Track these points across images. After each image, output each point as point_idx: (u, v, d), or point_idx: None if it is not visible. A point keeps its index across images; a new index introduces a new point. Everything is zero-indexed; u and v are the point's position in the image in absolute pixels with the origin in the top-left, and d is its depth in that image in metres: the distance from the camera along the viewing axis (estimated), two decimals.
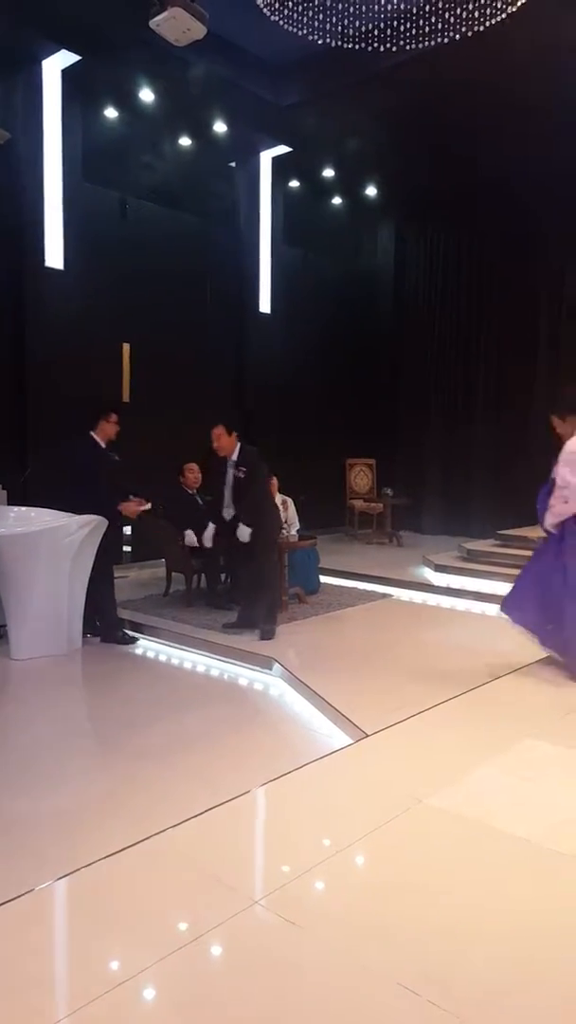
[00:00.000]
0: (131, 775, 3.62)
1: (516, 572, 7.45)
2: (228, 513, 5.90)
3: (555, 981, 2.14)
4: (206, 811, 3.07)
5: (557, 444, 4.99)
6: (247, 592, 6.03)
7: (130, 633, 6.04)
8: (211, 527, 6.14)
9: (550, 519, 4.88)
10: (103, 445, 5.94)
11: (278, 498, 6.76)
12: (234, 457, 5.88)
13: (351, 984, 2.12)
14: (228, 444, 5.87)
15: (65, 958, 2.30)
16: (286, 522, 6.70)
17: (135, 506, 5.93)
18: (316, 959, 2.23)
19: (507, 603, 5.13)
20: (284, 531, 6.44)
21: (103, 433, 5.93)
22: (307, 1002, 2.06)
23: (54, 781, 3.57)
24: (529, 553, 8.08)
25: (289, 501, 7.21)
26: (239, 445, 5.93)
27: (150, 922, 2.40)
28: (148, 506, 6.12)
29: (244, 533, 5.83)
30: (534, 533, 8.51)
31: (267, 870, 2.79)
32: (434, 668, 5.08)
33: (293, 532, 6.83)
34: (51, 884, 2.59)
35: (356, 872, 2.76)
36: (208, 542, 6.15)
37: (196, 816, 3.03)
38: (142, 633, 6.09)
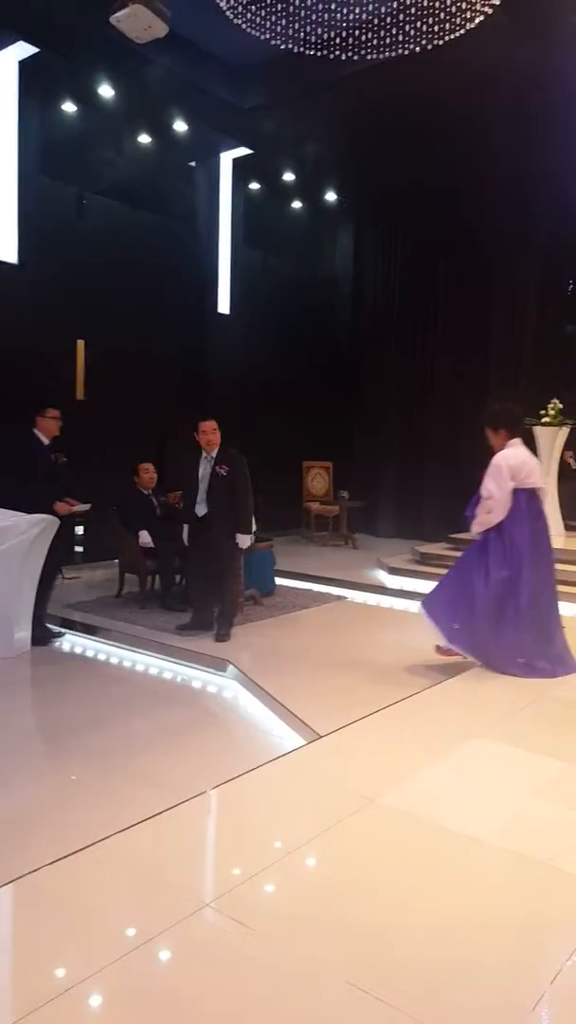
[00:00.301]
0: (80, 778, 3.59)
1: None
2: (201, 510, 5.85)
3: (501, 978, 2.18)
4: (157, 814, 3.05)
5: (491, 454, 5.12)
6: (203, 594, 6.00)
7: (54, 628, 6.04)
8: (186, 528, 5.98)
9: (475, 527, 5.04)
10: (46, 442, 5.87)
11: None
12: (213, 454, 5.86)
13: (301, 984, 2.13)
14: (217, 440, 5.84)
15: (11, 964, 2.27)
16: None
17: (66, 506, 5.85)
18: (267, 960, 2.23)
19: (427, 600, 5.21)
20: None
21: (44, 430, 5.86)
22: (258, 1003, 2.07)
23: (0, 785, 3.52)
24: None
25: None
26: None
27: (99, 926, 2.38)
28: (80, 508, 6.01)
29: (244, 541, 5.85)
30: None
31: (218, 872, 2.79)
32: (386, 669, 5.14)
33: None
34: None
35: (307, 873, 2.77)
36: (186, 541, 6.04)
37: (147, 819, 3.01)
38: (95, 636, 6.03)
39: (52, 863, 2.68)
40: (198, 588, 6.05)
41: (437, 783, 3.45)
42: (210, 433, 5.80)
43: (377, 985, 2.11)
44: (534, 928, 2.44)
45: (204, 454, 5.83)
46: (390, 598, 7.63)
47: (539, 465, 5.08)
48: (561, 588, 7.08)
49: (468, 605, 4.94)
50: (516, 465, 4.93)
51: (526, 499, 4.95)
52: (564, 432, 8.74)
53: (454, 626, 4.98)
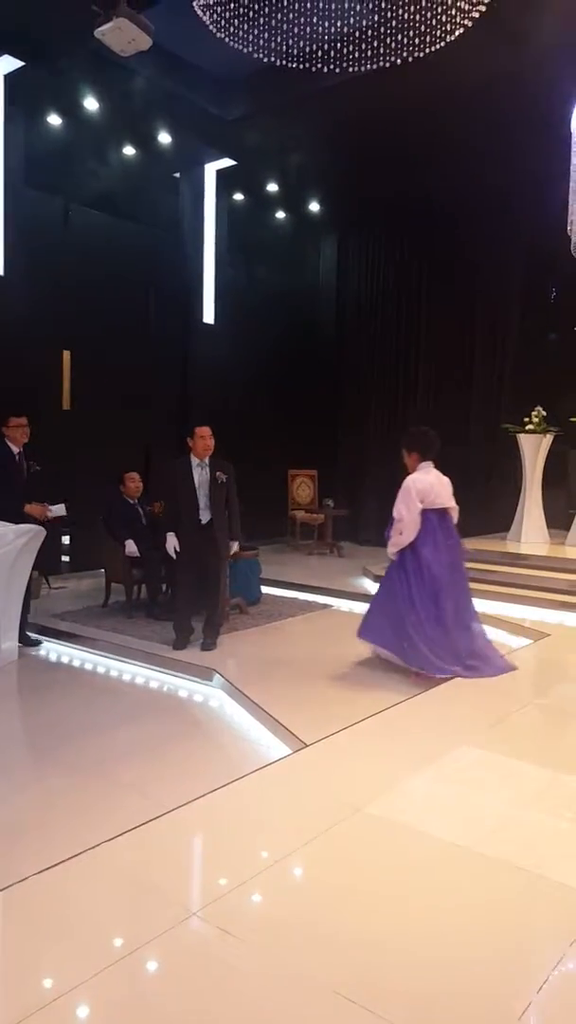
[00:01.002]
0: (67, 788, 3.57)
1: None
2: (205, 516, 5.79)
3: (488, 986, 2.19)
4: (143, 824, 3.05)
5: (406, 474, 5.37)
6: (192, 602, 5.95)
7: (32, 636, 6.05)
8: (171, 537, 5.84)
9: (390, 548, 5.31)
10: (16, 450, 5.88)
11: None
12: (206, 460, 5.84)
13: (288, 994, 2.14)
14: (212, 445, 5.83)
15: None
16: None
17: (41, 508, 5.84)
18: (254, 969, 2.24)
19: (363, 630, 5.42)
20: None
21: (11, 439, 5.88)
22: (245, 1013, 2.07)
23: None
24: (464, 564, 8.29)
25: None
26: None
27: (86, 936, 2.37)
28: (57, 510, 5.96)
29: (234, 547, 5.98)
30: (469, 545, 8.62)
31: (205, 882, 2.80)
32: (372, 678, 5.15)
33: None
34: None
35: (293, 882, 2.78)
36: (172, 552, 5.99)
37: (133, 829, 3.01)
38: (81, 645, 6.01)
39: (38, 873, 2.68)
40: (189, 596, 5.95)
41: (423, 792, 3.46)
42: (207, 438, 5.80)
43: (364, 994, 2.12)
44: (521, 936, 2.45)
45: (196, 461, 5.81)
46: None
47: (448, 486, 5.36)
48: (545, 596, 7.26)
49: (401, 624, 5.13)
50: (424, 488, 5.20)
51: (437, 518, 5.25)
52: (548, 439, 8.82)
53: (403, 645, 5.14)
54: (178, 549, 5.81)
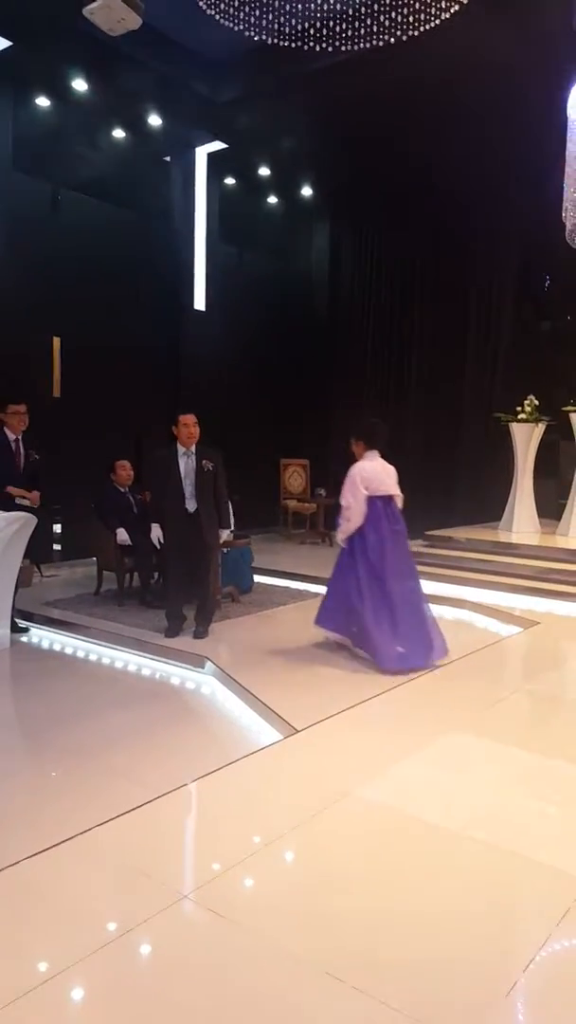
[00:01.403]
0: (58, 773, 3.55)
1: (444, 572, 7.65)
2: (191, 505, 5.73)
3: (476, 966, 2.20)
4: (134, 808, 3.04)
5: (352, 462, 5.45)
6: (183, 591, 5.92)
7: (20, 623, 6.01)
8: (155, 528, 5.80)
9: (339, 535, 5.44)
10: (13, 437, 5.85)
11: None
12: (192, 449, 5.79)
13: (279, 974, 2.13)
14: (198, 433, 5.76)
15: None
16: None
17: (21, 491, 5.78)
18: (245, 950, 2.23)
19: (318, 617, 5.56)
20: None
21: (9, 426, 5.86)
22: (236, 993, 2.07)
23: None
24: (456, 554, 8.31)
25: None
26: None
27: (76, 919, 2.36)
28: (28, 499, 5.89)
29: (225, 535, 5.99)
30: (461, 534, 8.75)
31: (196, 865, 2.78)
32: (362, 665, 5.14)
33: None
34: None
35: (284, 864, 2.77)
36: (155, 543, 5.87)
37: (124, 813, 3.00)
38: (73, 633, 5.98)
39: (30, 857, 2.66)
40: (179, 586, 5.90)
41: (413, 776, 3.47)
42: (191, 426, 5.72)
43: (354, 974, 2.12)
44: (509, 917, 2.46)
45: (182, 449, 5.75)
46: None
47: (393, 475, 5.44)
48: (535, 584, 7.27)
49: (351, 609, 5.24)
50: (368, 476, 5.32)
51: (383, 505, 5.34)
52: (540, 429, 8.80)
53: (353, 629, 5.27)
54: (162, 540, 5.79)
